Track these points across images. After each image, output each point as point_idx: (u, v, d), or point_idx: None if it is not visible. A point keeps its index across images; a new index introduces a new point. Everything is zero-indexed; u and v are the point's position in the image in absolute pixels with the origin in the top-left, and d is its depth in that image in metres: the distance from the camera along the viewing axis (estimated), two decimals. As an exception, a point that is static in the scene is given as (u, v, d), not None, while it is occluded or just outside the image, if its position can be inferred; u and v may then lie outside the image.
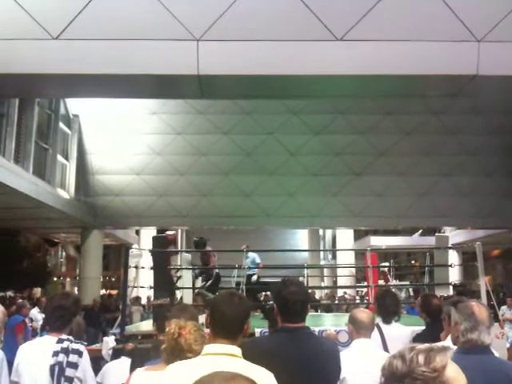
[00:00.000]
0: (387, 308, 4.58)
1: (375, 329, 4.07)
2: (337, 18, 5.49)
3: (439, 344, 1.42)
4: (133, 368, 3.11)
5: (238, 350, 2.21)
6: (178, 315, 3.01)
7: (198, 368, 2.08)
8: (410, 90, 6.65)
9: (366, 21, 5.45)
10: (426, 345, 1.37)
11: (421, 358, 1.30)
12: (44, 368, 3.26)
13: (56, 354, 3.30)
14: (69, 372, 3.27)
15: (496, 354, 2.71)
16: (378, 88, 6.39)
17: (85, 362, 3.39)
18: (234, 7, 5.42)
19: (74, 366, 3.30)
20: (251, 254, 10.25)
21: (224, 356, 2.15)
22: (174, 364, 2.21)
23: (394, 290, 9.40)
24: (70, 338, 3.46)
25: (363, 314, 3.68)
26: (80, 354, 3.36)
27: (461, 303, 2.75)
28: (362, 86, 6.24)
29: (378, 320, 4.54)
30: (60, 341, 3.37)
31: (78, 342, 3.45)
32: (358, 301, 16.78)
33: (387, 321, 4.50)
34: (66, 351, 3.32)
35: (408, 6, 5.55)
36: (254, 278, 9.92)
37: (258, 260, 10.32)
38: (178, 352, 2.45)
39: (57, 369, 3.26)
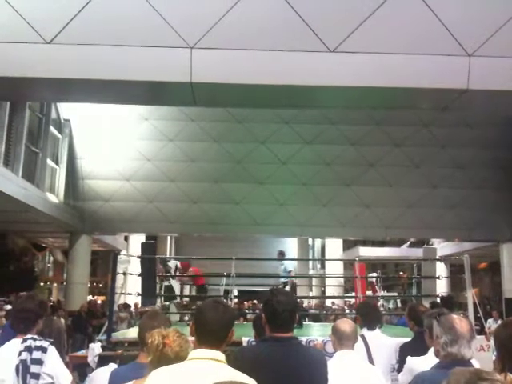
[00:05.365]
0: (368, 315, 4.64)
1: (360, 339, 4.08)
2: (330, 29, 5.54)
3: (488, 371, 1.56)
4: None
5: (222, 356, 2.23)
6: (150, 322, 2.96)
7: (185, 372, 2.10)
8: (401, 103, 6.70)
9: (359, 33, 5.50)
10: (486, 373, 1.52)
11: None
12: (10, 369, 3.31)
13: (20, 353, 3.37)
14: (34, 369, 3.32)
15: (477, 366, 2.70)
16: (369, 100, 6.43)
17: (51, 357, 3.42)
18: (228, 16, 5.45)
19: (39, 362, 3.35)
20: (284, 262, 10.25)
21: (209, 360, 2.17)
22: (160, 369, 2.19)
23: (381, 300, 9.43)
24: (35, 336, 3.51)
25: (345, 324, 3.63)
26: (44, 350, 3.41)
27: (443, 316, 2.72)
28: (354, 97, 6.28)
29: (363, 331, 4.57)
30: (24, 341, 3.45)
31: (41, 340, 3.49)
32: (347, 311, 16.79)
33: (372, 327, 4.55)
34: (28, 349, 3.39)
35: (400, 20, 5.60)
36: (288, 287, 9.74)
37: (289, 268, 10.24)
38: (166, 362, 2.37)
39: (21, 367, 3.31)
